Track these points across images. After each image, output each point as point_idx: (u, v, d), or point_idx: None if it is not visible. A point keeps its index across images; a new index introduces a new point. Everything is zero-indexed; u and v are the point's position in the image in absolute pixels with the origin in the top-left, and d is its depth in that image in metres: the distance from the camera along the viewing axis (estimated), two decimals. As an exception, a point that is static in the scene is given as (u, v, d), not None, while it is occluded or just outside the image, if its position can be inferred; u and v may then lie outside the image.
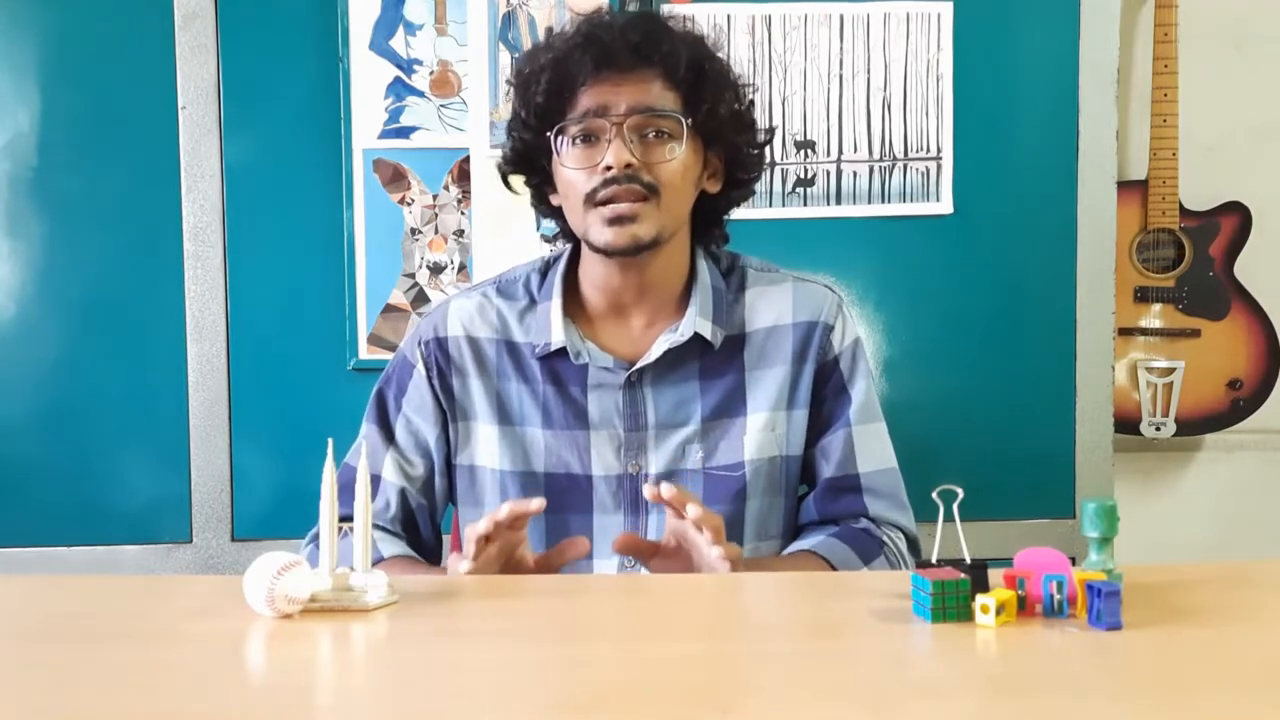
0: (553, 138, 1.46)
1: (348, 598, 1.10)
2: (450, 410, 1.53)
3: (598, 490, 1.49)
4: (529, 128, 1.48)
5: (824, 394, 1.52)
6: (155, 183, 2.15)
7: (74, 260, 2.17)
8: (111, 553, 2.16)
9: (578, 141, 1.44)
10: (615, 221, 1.42)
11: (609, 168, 1.41)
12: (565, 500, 1.48)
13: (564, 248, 1.57)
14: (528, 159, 1.52)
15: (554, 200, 1.52)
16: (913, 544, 1.53)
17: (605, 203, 1.42)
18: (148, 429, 2.17)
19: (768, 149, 1.57)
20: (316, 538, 1.50)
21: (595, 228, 1.43)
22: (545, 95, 1.45)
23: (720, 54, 1.50)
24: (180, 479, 2.17)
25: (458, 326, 1.53)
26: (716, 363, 1.50)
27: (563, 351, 1.49)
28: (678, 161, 1.44)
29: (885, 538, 1.50)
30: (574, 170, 1.44)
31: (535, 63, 1.47)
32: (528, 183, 1.55)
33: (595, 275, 1.50)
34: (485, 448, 1.51)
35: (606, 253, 1.44)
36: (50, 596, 1.23)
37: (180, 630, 1.08)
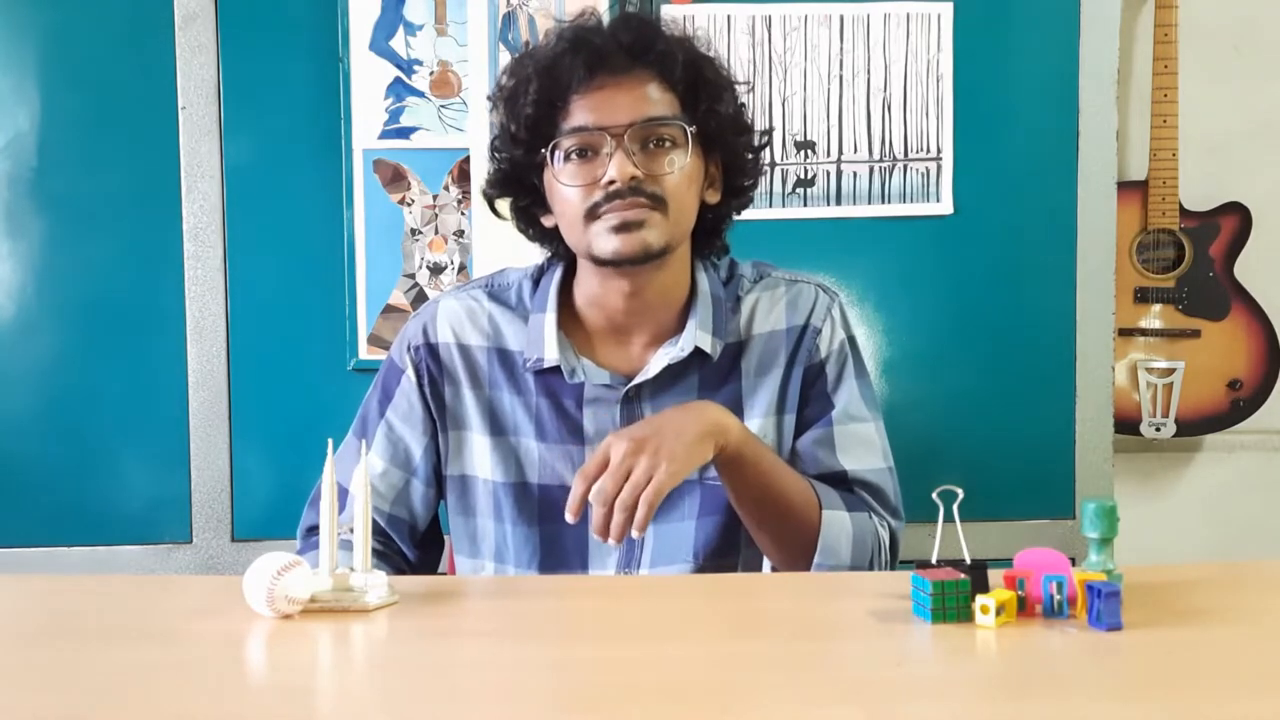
0: (547, 153, 1.39)
1: (348, 598, 1.10)
2: (441, 419, 1.48)
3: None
4: (519, 143, 1.41)
5: (809, 395, 1.48)
6: (155, 183, 2.14)
7: (74, 260, 2.16)
8: (111, 553, 2.15)
9: (574, 156, 1.38)
10: (622, 228, 1.35)
11: (611, 181, 1.35)
12: (559, 512, 1.41)
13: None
14: (516, 178, 1.45)
15: (546, 221, 1.46)
16: (894, 545, 1.46)
17: (609, 213, 1.36)
18: (148, 429, 2.17)
19: (765, 153, 1.53)
20: (310, 531, 1.47)
21: (600, 238, 1.36)
22: (535, 105, 1.38)
23: (712, 52, 1.45)
24: (180, 479, 2.17)
25: (448, 332, 1.48)
26: (716, 373, 1.46)
27: (556, 368, 1.44)
28: (682, 172, 1.39)
29: (871, 515, 1.44)
30: (573, 187, 1.38)
31: (521, 72, 1.41)
32: (515, 205, 1.48)
33: (593, 294, 1.45)
34: (478, 458, 1.47)
35: (615, 263, 1.37)
36: (50, 596, 1.23)
37: (180, 630, 1.08)
